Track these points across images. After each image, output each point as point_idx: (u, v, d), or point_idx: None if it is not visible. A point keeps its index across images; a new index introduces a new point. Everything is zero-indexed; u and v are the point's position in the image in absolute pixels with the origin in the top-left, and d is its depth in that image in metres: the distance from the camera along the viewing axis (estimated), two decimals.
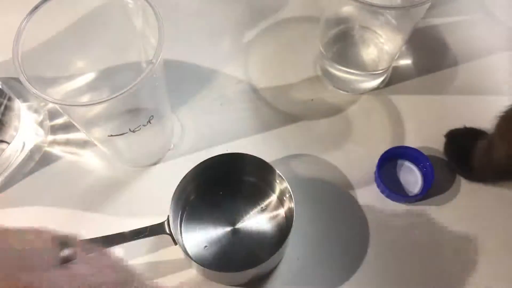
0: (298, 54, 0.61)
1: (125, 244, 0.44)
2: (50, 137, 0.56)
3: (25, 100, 0.57)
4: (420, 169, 0.52)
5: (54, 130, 0.56)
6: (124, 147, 0.52)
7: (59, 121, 0.57)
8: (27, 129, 0.55)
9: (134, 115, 0.48)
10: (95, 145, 0.52)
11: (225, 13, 0.65)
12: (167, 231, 0.44)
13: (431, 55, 0.61)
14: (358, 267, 0.47)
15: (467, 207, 0.50)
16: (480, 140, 0.49)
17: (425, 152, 0.51)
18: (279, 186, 0.48)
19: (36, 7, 0.43)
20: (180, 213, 0.48)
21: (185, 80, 0.59)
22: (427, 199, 0.50)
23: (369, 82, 0.57)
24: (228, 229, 0.47)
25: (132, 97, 0.42)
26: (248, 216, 0.48)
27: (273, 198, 0.49)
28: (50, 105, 0.57)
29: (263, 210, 0.49)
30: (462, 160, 0.51)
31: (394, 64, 0.58)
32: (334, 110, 0.57)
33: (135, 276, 0.34)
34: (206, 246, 0.47)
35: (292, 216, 0.45)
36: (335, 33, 0.57)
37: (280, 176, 0.46)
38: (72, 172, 0.54)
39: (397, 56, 0.56)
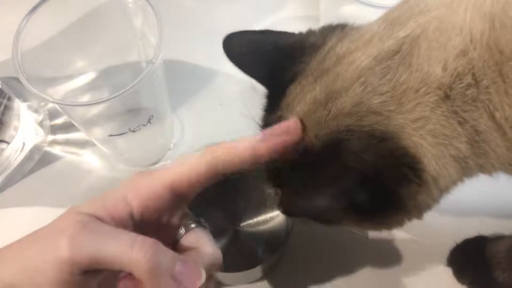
0: None
1: None
2: (50, 137, 0.56)
3: (25, 99, 0.57)
4: None
5: (54, 130, 0.56)
6: (124, 147, 0.52)
7: (59, 121, 0.57)
8: (27, 129, 0.55)
9: (134, 114, 0.48)
10: (95, 145, 0.52)
11: (225, 13, 0.65)
12: None
13: None
14: (358, 267, 0.47)
15: (467, 206, 0.50)
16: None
17: None
18: None
19: (35, 7, 0.43)
20: None
21: (185, 80, 0.59)
22: None
23: None
24: (229, 229, 0.47)
25: (132, 97, 0.42)
26: (248, 216, 0.48)
27: (274, 198, 0.49)
28: (50, 105, 0.57)
29: (263, 210, 0.48)
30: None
31: None
32: None
33: None
34: None
35: None
36: None
37: None
38: (72, 172, 0.54)
39: None
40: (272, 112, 0.36)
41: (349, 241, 0.48)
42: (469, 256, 0.46)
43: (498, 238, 0.46)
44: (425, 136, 0.30)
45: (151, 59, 0.41)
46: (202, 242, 0.33)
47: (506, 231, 0.46)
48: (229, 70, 0.60)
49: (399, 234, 0.49)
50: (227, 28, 0.64)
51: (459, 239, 0.47)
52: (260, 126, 0.38)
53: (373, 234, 0.49)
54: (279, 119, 0.35)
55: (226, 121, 0.56)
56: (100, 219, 0.30)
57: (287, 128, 0.32)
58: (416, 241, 0.48)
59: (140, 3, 0.45)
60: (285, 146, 0.31)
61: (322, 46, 0.35)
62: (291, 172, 0.34)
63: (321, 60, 0.34)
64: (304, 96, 0.33)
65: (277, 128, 0.32)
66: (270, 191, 0.49)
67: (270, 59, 0.38)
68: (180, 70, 0.60)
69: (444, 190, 0.33)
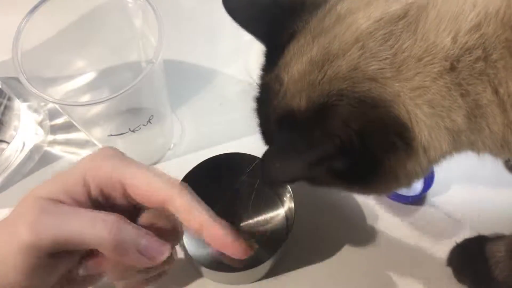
0: None
1: None
2: (50, 137, 0.56)
3: (25, 99, 0.57)
4: None
5: (54, 130, 0.56)
6: (124, 146, 0.52)
7: (59, 121, 0.57)
8: (27, 129, 0.55)
9: (134, 114, 0.48)
10: (95, 145, 0.52)
11: (225, 13, 0.65)
12: None
13: None
14: (359, 267, 0.47)
15: (467, 206, 0.50)
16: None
17: None
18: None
19: (35, 7, 0.43)
20: None
21: (185, 80, 0.59)
22: (428, 199, 0.50)
23: None
24: None
25: (132, 97, 0.42)
26: (248, 216, 0.48)
27: (273, 198, 0.49)
28: (50, 105, 0.57)
29: (263, 210, 0.49)
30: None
31: None
32: None
33: None
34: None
35: (292, 216, 0.45)
36: None
37: None
38: None
39: None
40: (269, 71, 0.35)
41: (349, 241, 0.48)
42: (469, 256, 0.46)
43: (498, 238, 0.45)
44: (422, 106, 0.30)
45: (151, 59, 0.41)
46: (161, 219, 0.33)
47: (506, 231, 0.46)
48: (229, 70, 0.60)
49: (400, 234, 0.49)
50: (227, 28, 0.64)
51: (459, 239, 0.47)
52: (258, 85, 0.37)
53: (373, 235, 0.49)
54: (276, 78, 0.34)
55: (226, 121, 0.56)
56: (61, 202, 0.30)
57: (233, 249, 0.32)
58: (416, 241, 0.48)
59: (140, 3, 0.45)
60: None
61: (323, 3, 0.34)
62: (277, 131, 0.33)
63: (321, 18, 0.33)
64: (301, 56, 0.33)
65: (232, 245, 0.32)
66: (270, 191, 0.49)
67: (270, 15, 0.37)
68: (180, 70, 0.60)
69: (433, 161, 0.33)
